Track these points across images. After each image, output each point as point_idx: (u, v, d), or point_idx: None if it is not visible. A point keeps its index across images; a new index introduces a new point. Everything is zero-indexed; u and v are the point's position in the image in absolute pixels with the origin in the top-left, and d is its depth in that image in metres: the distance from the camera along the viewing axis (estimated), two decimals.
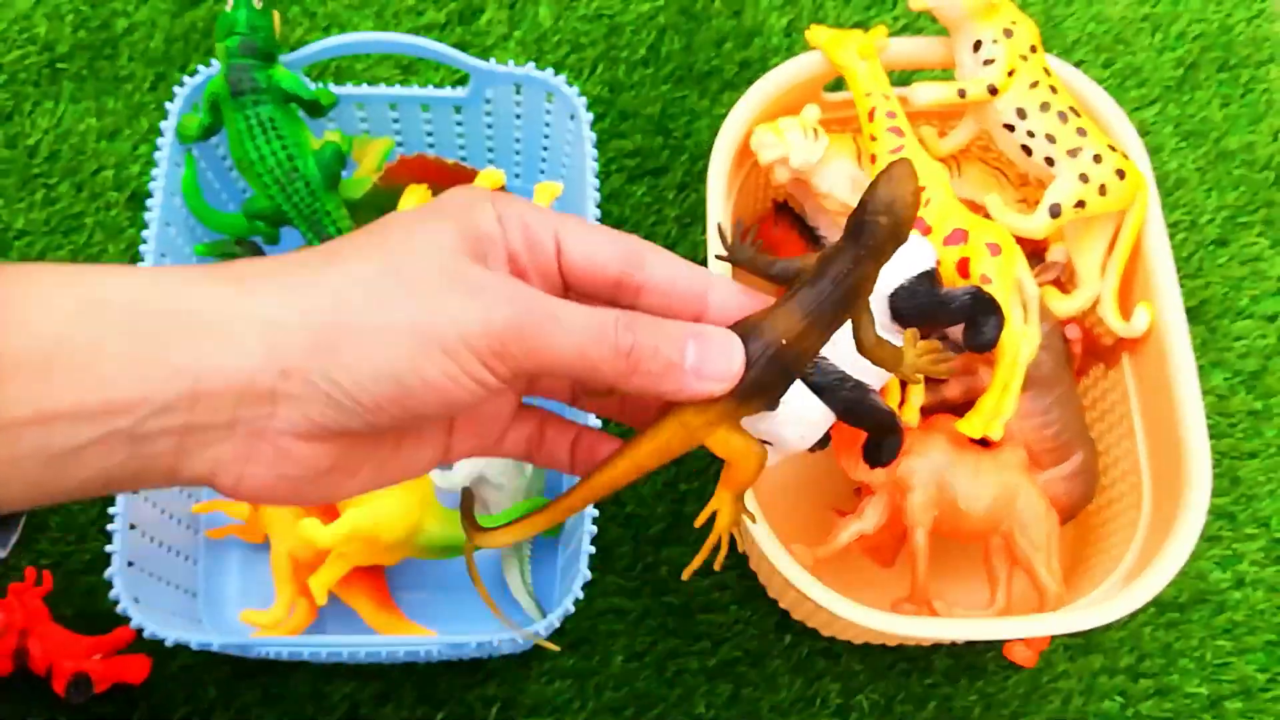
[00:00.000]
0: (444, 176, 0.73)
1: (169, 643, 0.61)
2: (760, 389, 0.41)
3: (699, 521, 0.45)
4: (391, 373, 0.35)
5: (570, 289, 0.41)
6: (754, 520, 0.45)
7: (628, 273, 0.40)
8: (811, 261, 0.42)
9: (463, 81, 0.76)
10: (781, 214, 0.77)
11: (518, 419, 0.44)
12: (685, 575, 0.45)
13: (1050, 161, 0.66)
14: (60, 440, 0.32)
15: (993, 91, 0.66)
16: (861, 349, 0.43)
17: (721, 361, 0.39)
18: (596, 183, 0.71)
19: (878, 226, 0.40)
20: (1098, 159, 0.66)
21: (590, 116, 0.72)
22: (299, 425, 0.35)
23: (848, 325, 0.58)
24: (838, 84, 0.72)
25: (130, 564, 0.63)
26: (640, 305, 0.41)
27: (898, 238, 0.40)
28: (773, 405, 0.42)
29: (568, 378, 0.38)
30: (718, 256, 0.42)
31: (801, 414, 0.59)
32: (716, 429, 0.41)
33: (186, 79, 0.73)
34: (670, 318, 0.40)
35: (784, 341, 0.40)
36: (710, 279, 0.41)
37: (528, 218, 0.40)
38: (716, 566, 0.45)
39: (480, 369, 0.36)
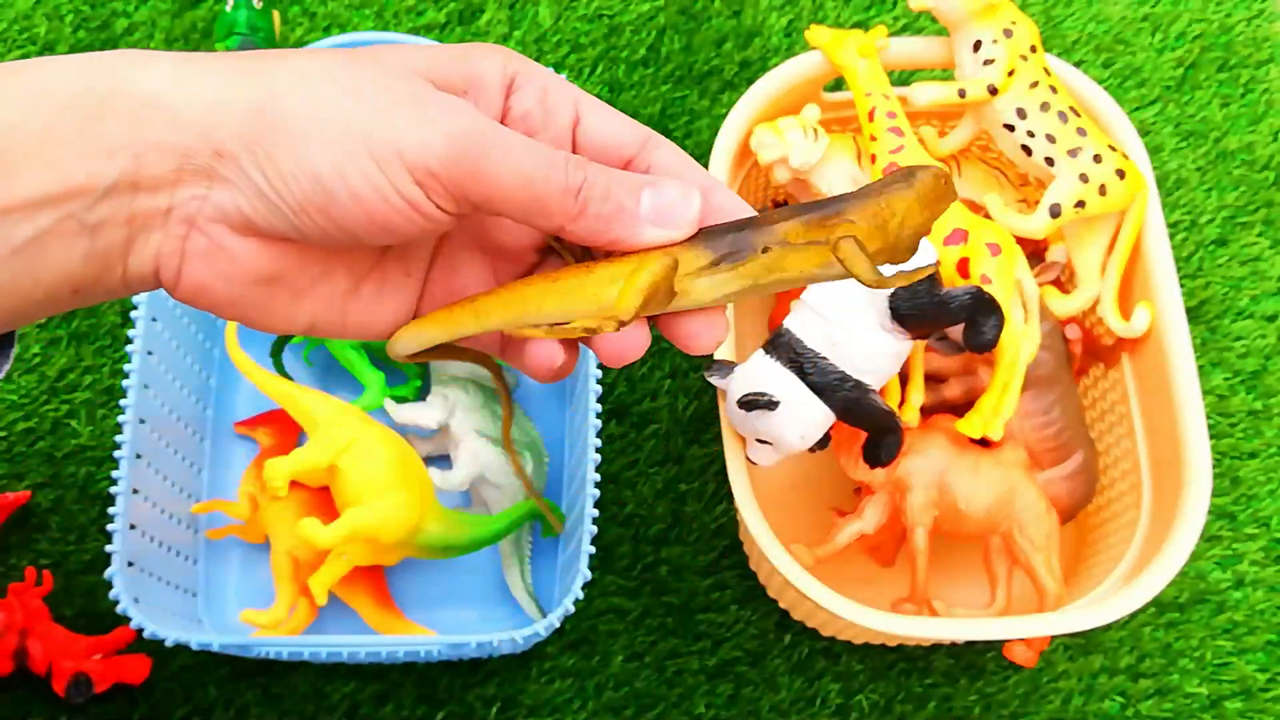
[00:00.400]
0: None
1: (169, 643, 0.61)
2: (729, 256, 0.36)
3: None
4: (315, 171, 0.33)
5: None
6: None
7: (640, 158, 0.38)
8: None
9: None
10: None
11: None
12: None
13: (1050, 161, 0.66)
14: (21, 231, 0.33)
15: (993, 91, 0.66)
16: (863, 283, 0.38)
17: (681, 206, 0.36)
18: None
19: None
20: (1098, 159, 0.66)
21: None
22: (231, 215, 0.34)
23: (850, 325, 0.59)
24: (838, 84, 0.73)
25: (130, 564, 0.63)
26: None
27: (933, 201, 0.37)
28: (730, 261, 0.36)
29: (512, 215, 0.35)
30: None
31: (801, 414, 0.60)
32: (672, 273, 0.36)
33: None
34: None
35: (781, 237, 0.36)
36: (713, 185, 0.38)
37: (549, 83, 0.38)
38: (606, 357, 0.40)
39: (413, 188, 0.33)
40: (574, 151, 0.38)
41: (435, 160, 0.33)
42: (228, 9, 0.80)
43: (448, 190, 0.34)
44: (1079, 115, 0.67)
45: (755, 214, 0.38)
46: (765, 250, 0.36)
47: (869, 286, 0.37)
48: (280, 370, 0.77)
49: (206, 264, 0.35)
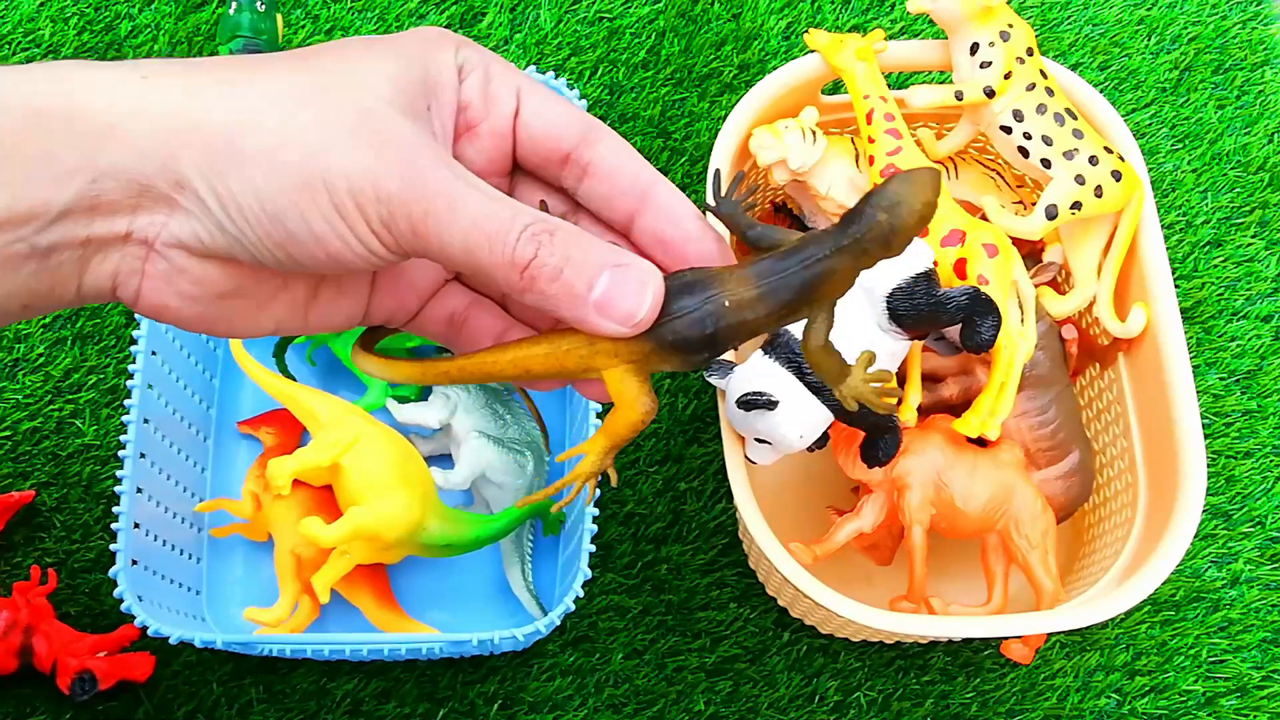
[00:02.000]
0: None
1: (173, 640, 0.61)
2: (683, 345, 0.36)
3: (563, 456, 0.44)
4: (275, 210, 0.32)
5: (520, 156, 0.38)
6: (614, 482, 0.41)
7: (580, 150, 0.37)
8: (793, 238, 0.37)
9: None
10: (780, 216, 0.77)
11: (441, 295, 0.40)
12: (554, 509, 0.46)
13: (1047, 163, 0.67)
14: None
15: (989, 94, 0.66)
16: (806, 348, 0.38)
17: (631, 301, 0.34)
18: None
19: (874, 222, 0.34)
20: (1094, 161, 0.66)
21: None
22: (190, 243, 0.33)
23: (848, 326, 0.59)
24: (836, 86, 0.73)
25: (134, 562, 0.64)
26: (583, 188, 0.38)
27: (890, 243, 0.34)
28: (688, 367, 0.37)
29: (460, 271, 0.34)
30: (705, 206, 0.39)
31: (800, 413, 0.60)
32: (620, 365, 0.36)
33: None
34: (609, 208, 0.38)
35: (726, 304, 0.35)
36: (656, 180, 0.37)
37: (492, 69, 0.37)
38: (554, 509, 0.45)
39: (366, 232, 0.33)
40: (513, 143, 0.37)
41: (385, 209, 0.32)
42: (230, 12, 0.81)
43: (394, 238, 0.33)
44: (1075, 117, 0.67)
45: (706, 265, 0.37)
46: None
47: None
48: (283, 370, 0.77)
49: (166, 284, 0.34)
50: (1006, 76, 0.66)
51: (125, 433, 0.66)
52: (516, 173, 0.39)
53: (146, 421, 0.67)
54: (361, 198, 0.32)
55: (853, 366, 0.38)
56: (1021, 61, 0.67)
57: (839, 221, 0.35)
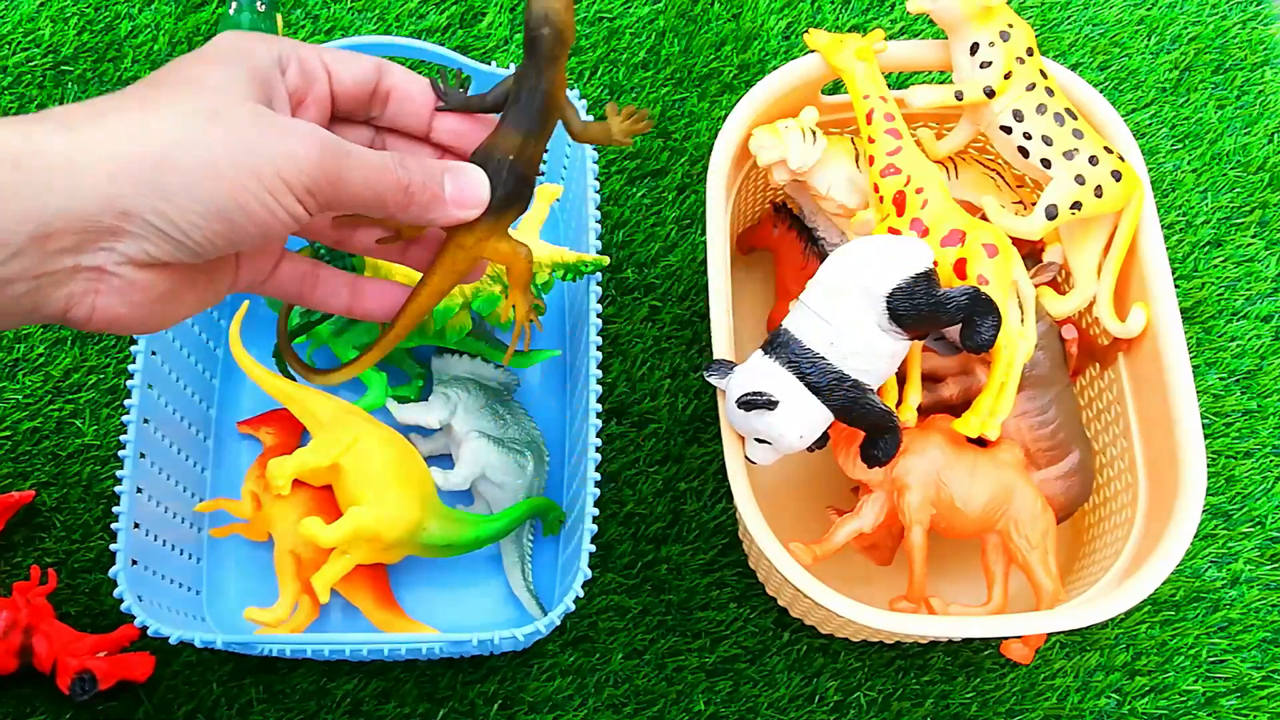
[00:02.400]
0: None
1: (173, 640, 0.61)
2: (509, 200, 0.49)
3: (504, 316, 0.61)
4: (220, 209, 0.39)
5: (338, 108, 0.48)
6: (543, 310, 0.58)
7: (380, 86, 0.48)
8: (508, 84, 0.50)
9: (464, 85, 0.77)
10: (780, 215, 0.77)
11: (289, 258, 0.49)
12: (505, 360, 0.61)
13: (1047, 163, 0.67)
14: None
15: (989, 94, 0.67)
16: (574, 136, 0.52)
17: (473, 190, 0.47)
18: (597, 185, 0.71)
19: (544, 38, 0.48)
20: (1094, 161, 0.66)
21: (591, 119, 0.73)
22: (138, 257, 0.39)
23: (848, 326, 0.59)
24: (836, 86, 0.73)
25: (134, 562, 0.64)
26: (389, 113, 0.49)
27: (564, 41, 0.48)
28: (524, 208, 0.50)
29: (359, 210, 0.44)
30: (437, 109, 0.51)
31: (800, 413, 0.60)
32: (487, 242, 0.50)
33: None
34: (409, 121, 0.49)
35: (512, 157, 0.49)
36: (393, 67, 0.49)
37: (301, 54, 0.45)
38: (524, 347, 0.63)
39: (294, 203, 0.41)
40: (331, 101, 0.47)
41: (308, 178, 0.41)
42: (231, 12, 0.81)
43: (317, 199, 0.42)
44: (1075, 118, 0.67)
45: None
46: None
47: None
48: (283, 370, 0.77)
49: (119, 298, 0.40)
50: (1006, 76, 0.66)
51: (125, 433, 0.66)
52: (334, 121, 0.49)
53: (146, 421, 0.67)
54: (288, 175, 0.40)
55: (609, 119, 0.52)
56: (1021, 61, 0.67)
57: (525, 53, 0.48)
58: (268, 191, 0.40)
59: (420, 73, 0.87)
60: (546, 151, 0.61)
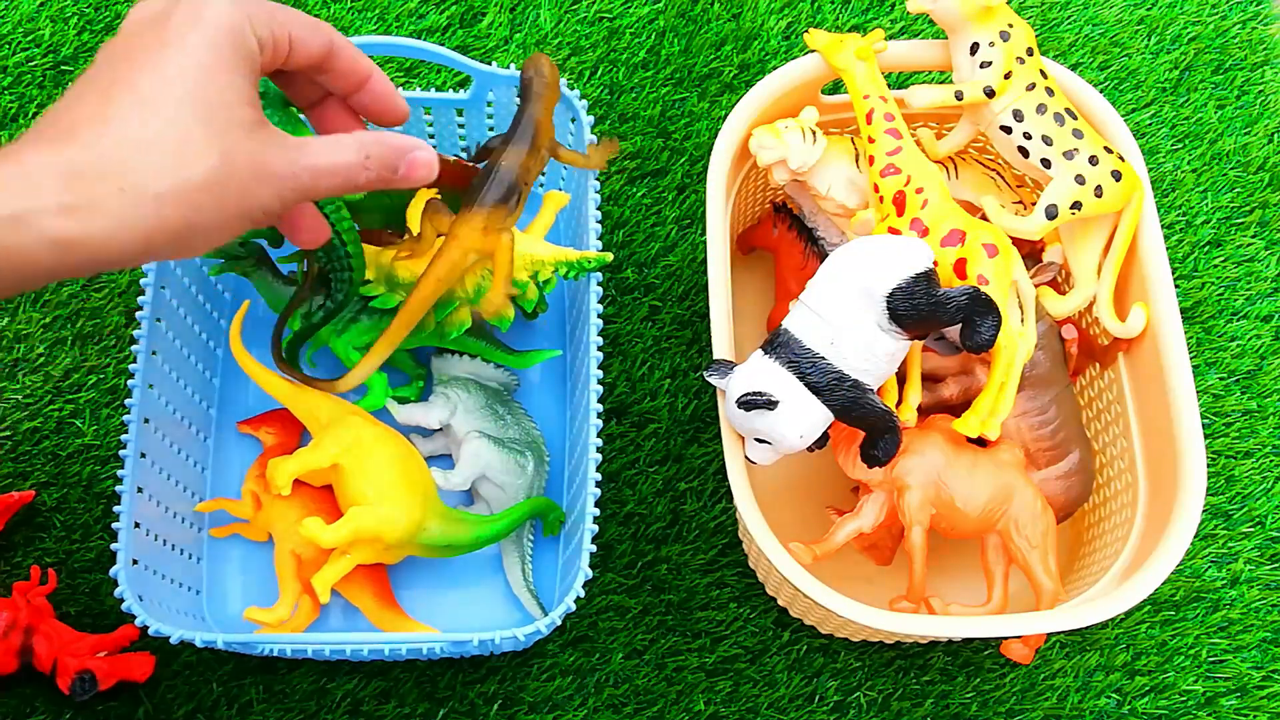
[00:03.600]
0: (453, 177, 0.73)
1: (173, 640, 0.61)
2: (500, 199, 0.62)
3: (487, 311, 0.66)
4: (206, 245, 0.45)
5: (291, 72, 0.52)
6: (544, 308, 0.74)
7: (330, 48, 0.52)
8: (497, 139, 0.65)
9: (465, 84, 0.77)
10: (780, 215, 0.77)
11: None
12: (484, 313, 0.68)
13: (1047, 163, 0.67)
14: None
15: (989, 94, 0.67)
16: (558, 159, 0.67)
17: (421, 168, 0.51)
18: (597, 185, 0.71)
19: (533, 80, 0.65)
20: (1094, 161, 0.66)
21: (591, 119, 0.73)
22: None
23: (848, 326, 0.59)
24: (836, 86, 0.73)
25: (134, 562, 0.64)
26: (334, 70, 0.53)
27: (554, 86, 0.66)
28: (515, 209, 0.63)
29: (331, 194, 0.49)
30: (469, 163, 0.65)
31: (800, 413, 0.60)
32: (490, 234, 0.62)
33: None
34: (350, 78, 0.54)
35: (503, 166, 0.63)
36: (372, 68, 0.55)
37: (276, 20, 0.49)
38: (484, 313, 0.68)
39: (273, 216, 0.47)
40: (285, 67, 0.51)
41: (289, 193, 0.46)
42: None
43: (291, 203, 0.47)
44: (1075, 117, 0.67)
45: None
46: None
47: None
48: (283, 370, 0.77)
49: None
50: (1006, 76, 0.66)
51: (125, 433, 0.66)
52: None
53: (147, 421, 0.67)
54: (267, 201, 0.46)
55: (589, 151, 0.68)
56: (1021, 61, 0.67)
57: (521, 97, 0.66)
58: (247, 220, 0.46)
59: (420, 72, 0.87)
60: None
